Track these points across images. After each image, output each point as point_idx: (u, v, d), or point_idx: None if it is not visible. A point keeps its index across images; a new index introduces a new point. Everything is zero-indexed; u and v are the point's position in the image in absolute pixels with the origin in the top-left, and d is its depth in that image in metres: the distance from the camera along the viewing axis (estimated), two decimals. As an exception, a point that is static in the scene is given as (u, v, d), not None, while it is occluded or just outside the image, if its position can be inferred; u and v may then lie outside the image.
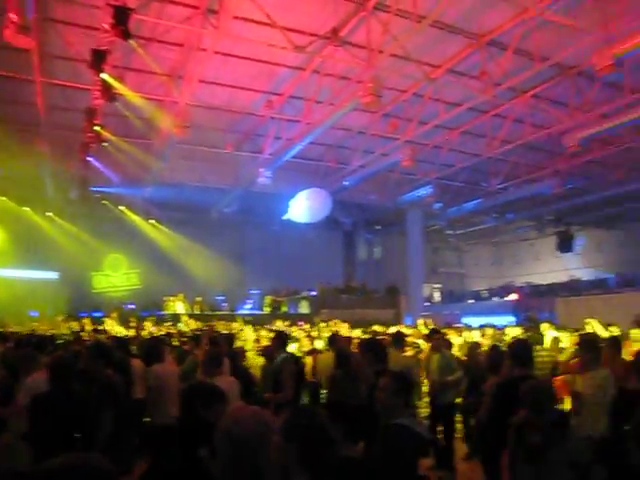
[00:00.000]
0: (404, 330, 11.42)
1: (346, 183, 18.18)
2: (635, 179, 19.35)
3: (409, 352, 8.55)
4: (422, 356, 8.76)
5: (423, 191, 19.37)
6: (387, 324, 15.60)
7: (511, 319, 24.12)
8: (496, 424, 3.97)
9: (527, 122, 14.60)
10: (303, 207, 18.22)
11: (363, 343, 6.50)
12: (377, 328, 13.42)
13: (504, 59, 11.12)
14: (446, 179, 19.87)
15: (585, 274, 29.56)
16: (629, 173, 18.74)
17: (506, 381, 4.21)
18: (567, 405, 5.61)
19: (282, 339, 7.27)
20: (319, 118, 12.95)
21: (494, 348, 6.82)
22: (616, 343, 6.02)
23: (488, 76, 11.54)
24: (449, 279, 35.20)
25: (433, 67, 12.21)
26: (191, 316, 17.68)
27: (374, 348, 5.74)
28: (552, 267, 31.50)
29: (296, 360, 7.43)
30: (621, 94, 12.68)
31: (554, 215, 25.98)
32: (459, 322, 20.43)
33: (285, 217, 19.99)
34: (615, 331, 10.41)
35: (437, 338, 8.04)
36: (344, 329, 13.63)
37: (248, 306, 22.39)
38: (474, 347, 8.72)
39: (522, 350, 4.23)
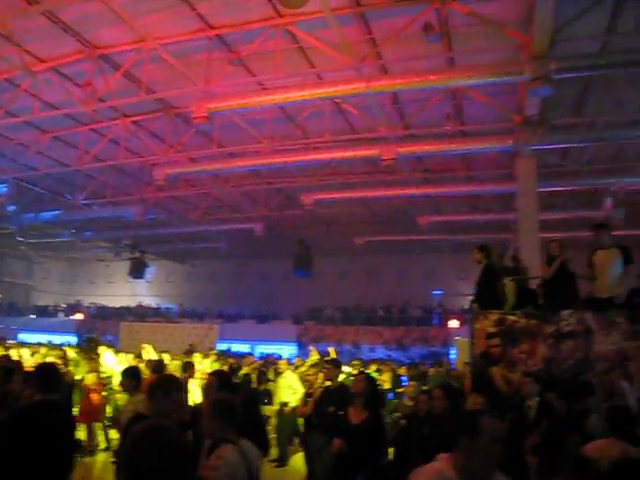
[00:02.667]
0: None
1: None
2: (207, 222, 21.65)
3: None
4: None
5: (-3, 189, 17.46)
6: None
7: (73, 339, 23.66)
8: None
9: (123, 145, 14.70)
10: None
11: None
12: None
13: (113, 78, 11.04)
14: (26, 181, 18.37)
15: (152, 302, 31.18)
16: (203, 216, 20.84)
17: (29, 404, 3.99)
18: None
19: None
20: None
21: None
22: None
23: (93, 89, 11.27)
24: (13, 290, 32.55)
25: (37, 59, 11.29)
26: None
27: None
28: (124, 291, 32.24)
29: None
30: (209, 145, 14.12)
31: (131, 241, 26.68)
32: (15, 338, 18.97)
33: None
34: (166, 358, 11.28)
35: None
36: None
37: None
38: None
39: (49, 374, 4.08)
